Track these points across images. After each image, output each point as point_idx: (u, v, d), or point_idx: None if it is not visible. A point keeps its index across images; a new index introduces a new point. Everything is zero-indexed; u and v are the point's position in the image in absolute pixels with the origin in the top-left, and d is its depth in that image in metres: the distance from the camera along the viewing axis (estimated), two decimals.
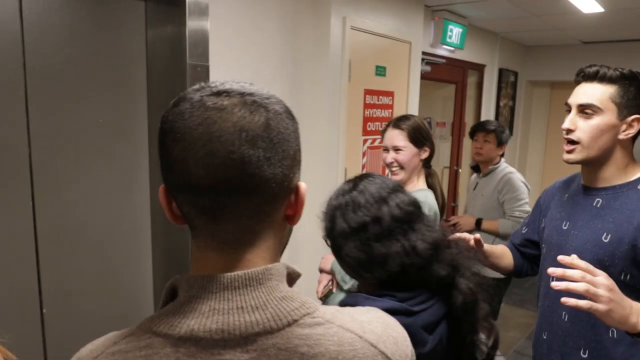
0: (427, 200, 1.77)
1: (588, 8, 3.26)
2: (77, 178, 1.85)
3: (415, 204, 1.07)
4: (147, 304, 2.19)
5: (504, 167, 2.90)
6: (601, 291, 0.98)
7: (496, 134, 2.87)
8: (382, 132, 1.96)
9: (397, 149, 1.85)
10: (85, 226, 1.93)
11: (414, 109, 3.05)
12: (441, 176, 4.07)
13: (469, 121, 4.25)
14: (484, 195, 2.87)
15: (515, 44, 4.86)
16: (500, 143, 2.90)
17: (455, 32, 3.54)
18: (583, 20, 3.64)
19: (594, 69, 1.33)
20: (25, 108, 1.69)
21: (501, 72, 4.56)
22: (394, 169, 1.87)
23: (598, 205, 1.33)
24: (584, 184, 1.42)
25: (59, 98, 1.77)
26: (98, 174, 1.91)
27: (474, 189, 2.99)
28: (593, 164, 1.34)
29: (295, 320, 0.54)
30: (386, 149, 1.90)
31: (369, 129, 2.70)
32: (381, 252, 0.96)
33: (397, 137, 1.85)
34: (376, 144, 2.76)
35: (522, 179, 2.87)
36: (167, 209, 0.58)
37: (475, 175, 3.06)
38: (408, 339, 0.64)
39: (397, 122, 1.89)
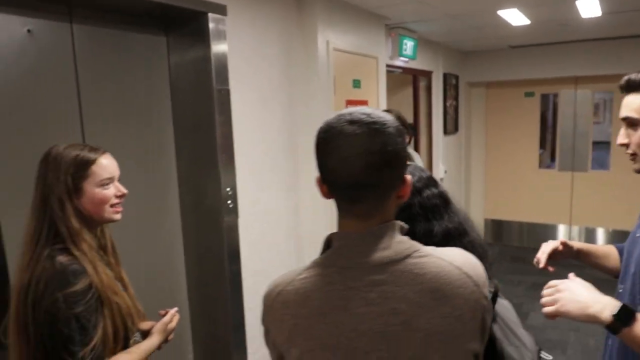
0: None
1: (517, 21, 3.88)
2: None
3: (442, 196, 1.41)
4: (182, 297, 2.47)
5: None
6: (545, 295, 1.15)
7: None
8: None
9: None
10: (126, 232, 2.19)
11: None
12: None
13: (422, 119, 4.81)
14: None
15: (455, 51, 5.48)
16: None
17: (408, 45, 4.05)
18: (512, 30, 4.27)
19: (623, 81, 1.25)
20: (81, 129, 1.97)
21: (445, 76, 5.14)
22: None
23: None
24: None
25: (103, 119, 2.04)
26: (135, 182, 2.14)
27: None
28: None
29: (409, 255, 0.84)
30: None
31: None
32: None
33: None
34: None
35: None
36: (321, 190, 0.90)
37: None
38: (483, 267, 0.90)
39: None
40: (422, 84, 4.84)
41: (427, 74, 4.82)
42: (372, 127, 0.82)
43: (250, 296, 2.49)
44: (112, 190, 1.31)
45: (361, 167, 0.81)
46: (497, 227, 6.15)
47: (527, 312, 4.04)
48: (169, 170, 2.39)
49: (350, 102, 3.08)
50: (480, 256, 1.18)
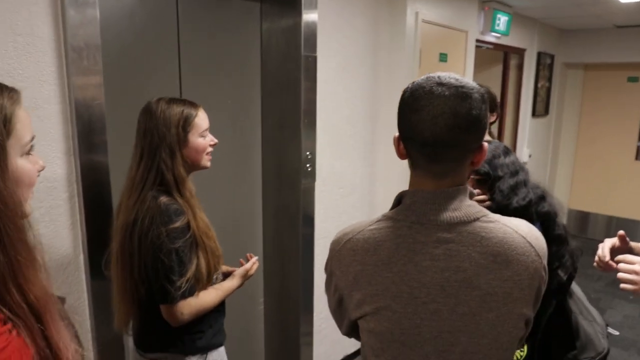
0: None
1: None
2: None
3: (516, 164, 1.48)
4: (257, 250, 2.59)
5: None
6: (623, 270, 1.16)
7: None
8: None
9: None
10: (212, 182, 2.30)
11: None
12: None
13: (510, 99, 4.61)
14: None
15: (552, 28, 5.14)
16: None
17: (502, 20, 3.87)
18: (620, 7, 3.93)
19: None
20: (179, 84, 2.11)
21: (539, 55, 4.86)
22: None
23: None
24: None
25: (199, 76, 2.17)
26: (224, 137, 2.19)
27: None
28: None
29: (477, 218, 0.87)
30: None
31: None
32: None
33: None
34: None
35: None
36: (397, 149, 0.94)
37: None
38: (544, 240, 0.93)
39: None
40: (513, 62, 4.60)
41: (520, 52, 4.59)
42: (460, 90, 0.84)
43: (321, 258, 2.56)
44: (208, 140, 1.43)
45: (446, 127, 0.83)
46: (582, 218, 5.80)
47: (605, 308, 3.86)
48: (254, 129, 2.51)
49: None
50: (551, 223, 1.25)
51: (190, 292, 1.32)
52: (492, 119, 2.22)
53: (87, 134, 1.59)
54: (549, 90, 5.25)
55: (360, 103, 2.72)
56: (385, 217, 0.93)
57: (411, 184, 0.93)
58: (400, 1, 2.76)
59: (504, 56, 4.46)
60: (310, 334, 2.61)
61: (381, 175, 2.93)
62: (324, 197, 2.56)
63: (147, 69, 2.01)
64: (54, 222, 1.56)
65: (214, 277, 1.44)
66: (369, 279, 0.89)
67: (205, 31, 2.21)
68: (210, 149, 1.44)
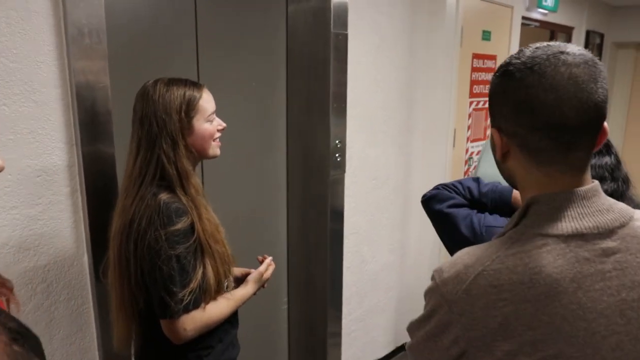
0: None
1: None
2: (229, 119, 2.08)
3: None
4: (280, 247, 2.44)
5: None
6: None
7: None
8: None
9: None
10: (229, 172, 2.15)
11: None
12: None
13: None
14: None
15: (603, 4, 4.74)
16: None
17: None
18: None
19: None
20: (197, 67, 1.94)
21: (588, 33, 4.48)
22: None
23: None
24: None
25: (218, 58, 2.00)
26: (244, 122, 2.12)
27: None
28: None
29: (631, 217, 0.71)
30: None
31: (474, 91, 2.82)
32: None
33: None
34: (480, 106, 2.88)
35: None
36: (500, 143, 0.73)
37: None
38: None
39: None
40: (558, 40, 4.25)
41: (568, 30, 4.22)
42: (588, 58, 0.68)
43: (350, 255, 2.42)
44: (215, 125, 1.25)
45: (594, 104, 0.67)
46: None
47: None
48: (278, 114, 2.32)
49: (477, 56, 2.77)
50: None
51: (195, 305, 1.15)
52: None
53: (90, 121, 1.43)
54: None
55: (395, 86, 2.49)
56: (523, 234, 0.70)
57: (529, 186, 0.73)
58: None
59: (550, 35, 4.10)
60: (338, 334, 2.44)
61: (417, 165, 2.71)
62: (354, 189, 2.37)
63: (161, 49, 1.83)
64: (54, 219, 1.42)
65: (225, 284, 1.28)
66: (529, 322, 0.67)
67: (225, 8, 2.01)
68: (218, 134, 1.26)
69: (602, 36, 4.79)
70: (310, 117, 2.24)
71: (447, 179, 2.84)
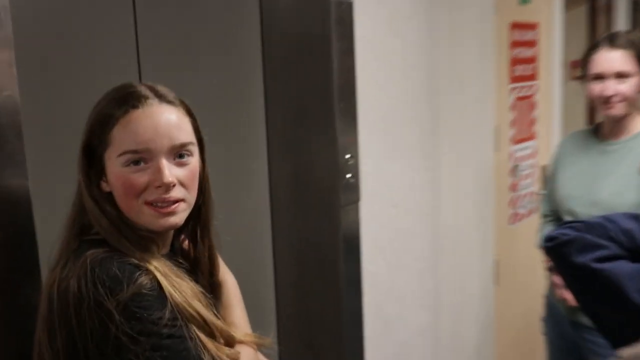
0: None
1: None
2: None
3: None
4: (267, 317, 2.36)
5: None
6: None
7: None
8: (586, 58, 2.12)
9: (621, 76, 2.00)
10: None
11: (559, 44, 3.21)
12: None
13: None
14: None
15: None
16: None
17: None
18: None
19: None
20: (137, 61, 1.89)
21: None
22: (614, 100, 2.03)
23: None
24: None
25: (162, 55, 1.98)
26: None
27: None
28: None
29: None
30: (598, 77, 2.06)
31: (515, 74, 2.86)
32: None
33: (619, 60, 2.00)
34: (524, 93, 2.93)
35: None
36: None
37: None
38: None
39: (614, 40, 2.04)
40: (600, 3, 4.51)
41: None
42: None
43: (371, 319, 2.35)
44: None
45: None
46: None
47: None
48: (254, 126, 2.27)
49: (516, 26, 2.83)
50: None
51: None
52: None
53: None
54: None
55: (416, 71, 2.50)
56: None
57: None
58: None
59: None
60: None
61: (446, 184, 2.72)
62: (370, 218, 2.32)
63: (89, 42, 1.78)
64: None
65: None
66: None
67: None
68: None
69: None
70: (304, 124, 2.21)
71: (492, 199, 2.85)
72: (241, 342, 1.28)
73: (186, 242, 1.34)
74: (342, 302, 2.24)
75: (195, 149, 1.20)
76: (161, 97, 1.16)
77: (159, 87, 1.20)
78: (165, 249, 1.24)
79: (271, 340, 1.38)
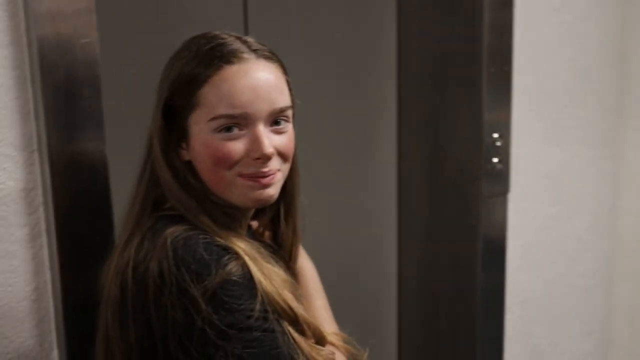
0: None
1: None
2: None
3: None
4: (387, 325, 2.44)
5: None
6: None
7: None
8: None
9: None
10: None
11: None
12: None
13: None
14: None
15: None
16: None
17: None
18: None
19: None
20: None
21: None
22: None
23: None
24: None
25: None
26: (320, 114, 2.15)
27: None
28: None
29: None
30: None
31: None
32: None
33: None
34: None
35: None
36: None
37: None
38: None
39: None
40: None
41: None
42: None
43: (514, 342, 2.37)
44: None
45: None
46: None
47: None
48: (382, 89, 2.31)
49: None
50: None
51: None
52: None
53: (63, 105, 1.40)
54: None
55: (598, 28, 2.42)
56: None
57: None
58: None
59: None
60: None
61: (631, 179, 2.63)
62: (522, 221, 2.31)
63: None
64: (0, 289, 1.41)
65: None
66: None
67: None
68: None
69: None
70: (443, 93, 2.25)
71: None
72: (332, 344, 1.33)
73: (255, 224, 1.40)
74: (478, 319, 2.27)
75: (291, 114, 1.23)
76: (257, 52, 1.19)
77: (249, 38, 1.22)
78: (244, 231, 1.29)
79: (365, 355, 1.39)
